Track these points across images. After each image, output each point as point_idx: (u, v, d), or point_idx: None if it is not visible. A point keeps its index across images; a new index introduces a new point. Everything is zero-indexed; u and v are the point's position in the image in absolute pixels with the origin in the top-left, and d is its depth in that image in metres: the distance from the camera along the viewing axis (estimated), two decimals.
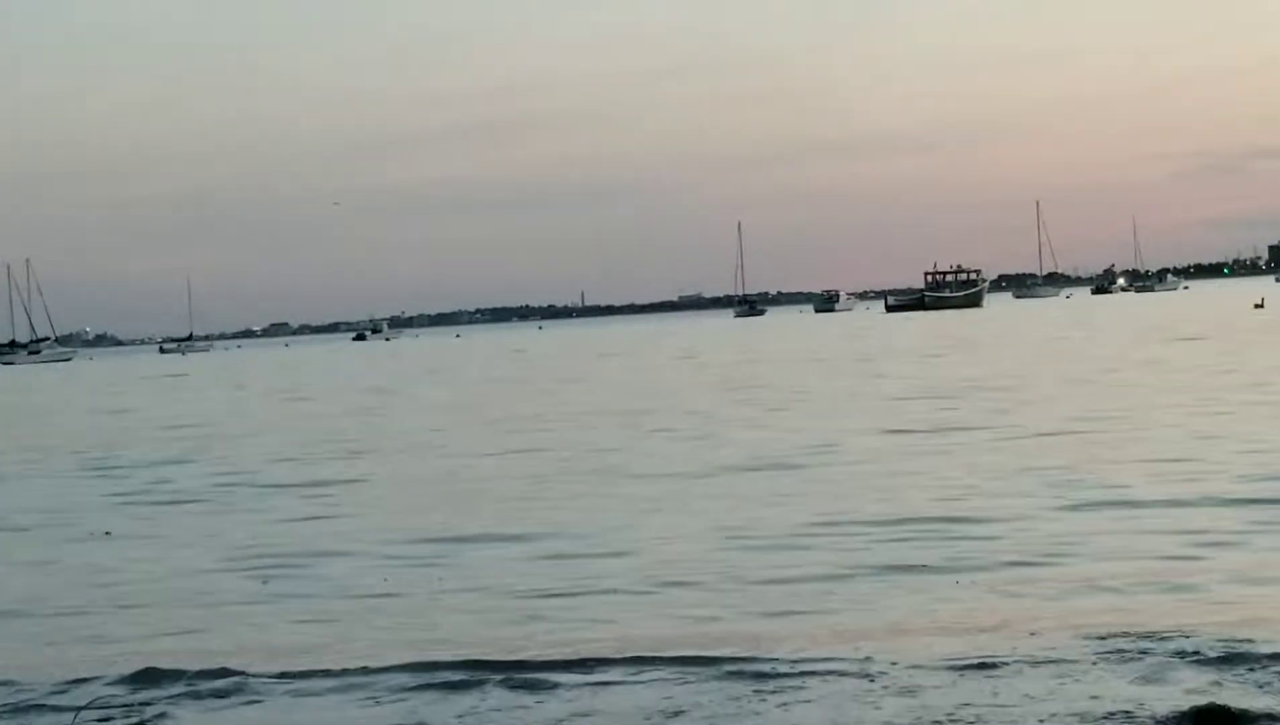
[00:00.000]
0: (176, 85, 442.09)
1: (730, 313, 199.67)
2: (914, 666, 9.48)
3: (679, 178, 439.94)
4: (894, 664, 9.55)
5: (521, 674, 9.77)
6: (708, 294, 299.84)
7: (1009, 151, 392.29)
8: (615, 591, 12.39)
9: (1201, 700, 8.31)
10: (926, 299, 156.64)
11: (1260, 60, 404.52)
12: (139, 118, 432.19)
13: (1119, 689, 8.80)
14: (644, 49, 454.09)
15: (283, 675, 10.10)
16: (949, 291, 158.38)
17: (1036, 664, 9.44)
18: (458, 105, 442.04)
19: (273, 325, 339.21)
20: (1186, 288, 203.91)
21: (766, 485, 18.75)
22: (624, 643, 10.46)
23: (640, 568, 13.33)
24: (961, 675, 9.23)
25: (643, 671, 9.67)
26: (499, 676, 9.72)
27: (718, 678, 9.41)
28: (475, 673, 9.86)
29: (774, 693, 9.03)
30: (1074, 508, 15.51)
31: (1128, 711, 8.31)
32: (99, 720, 9.31)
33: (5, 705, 9.71)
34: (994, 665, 9.45)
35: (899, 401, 32.01)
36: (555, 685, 9.47)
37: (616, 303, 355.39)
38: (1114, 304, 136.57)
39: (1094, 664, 9.37)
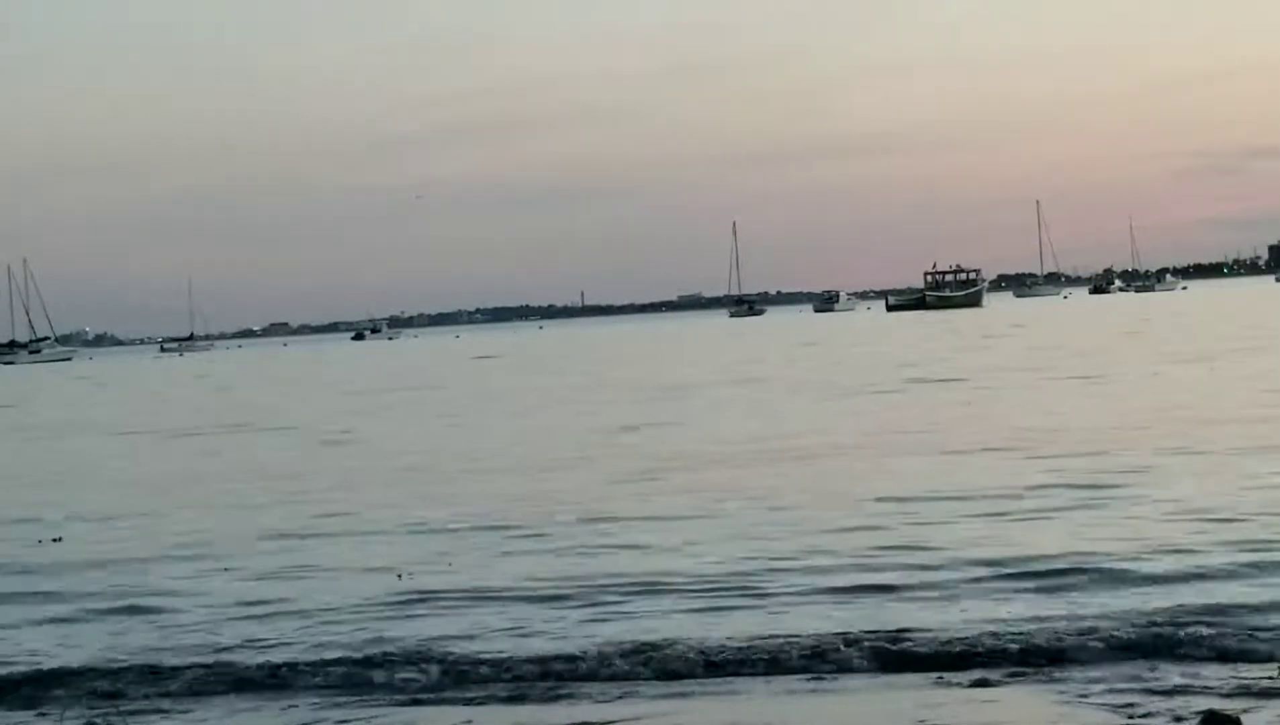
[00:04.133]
0: (176, 85, 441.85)
1: (725, 313, 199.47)
2: None
3: (679, 178, 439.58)
4: None
5: None
6: (708, 294, 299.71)
7: (1009, 151, 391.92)
8: None
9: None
10: (928, 298, 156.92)
11: (1260, 60, 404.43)
12: (139, 118, 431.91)
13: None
14: (644, 49, 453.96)
15: None
16: (949, 291, 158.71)
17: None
18: (458, 105, 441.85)
19: (272, 325, 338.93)
20: (1184, 288, 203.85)
21: None
22: None
23: None
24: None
25: None
26: None
27: None
28: None
29: None
30: None
31: (1133, 715, 8.28)
32: None
33: None
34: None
35: None
36: None
37: (616, 302, 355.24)
38: (1141, 303, 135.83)
39: None
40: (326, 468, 24.98)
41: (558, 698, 9.38)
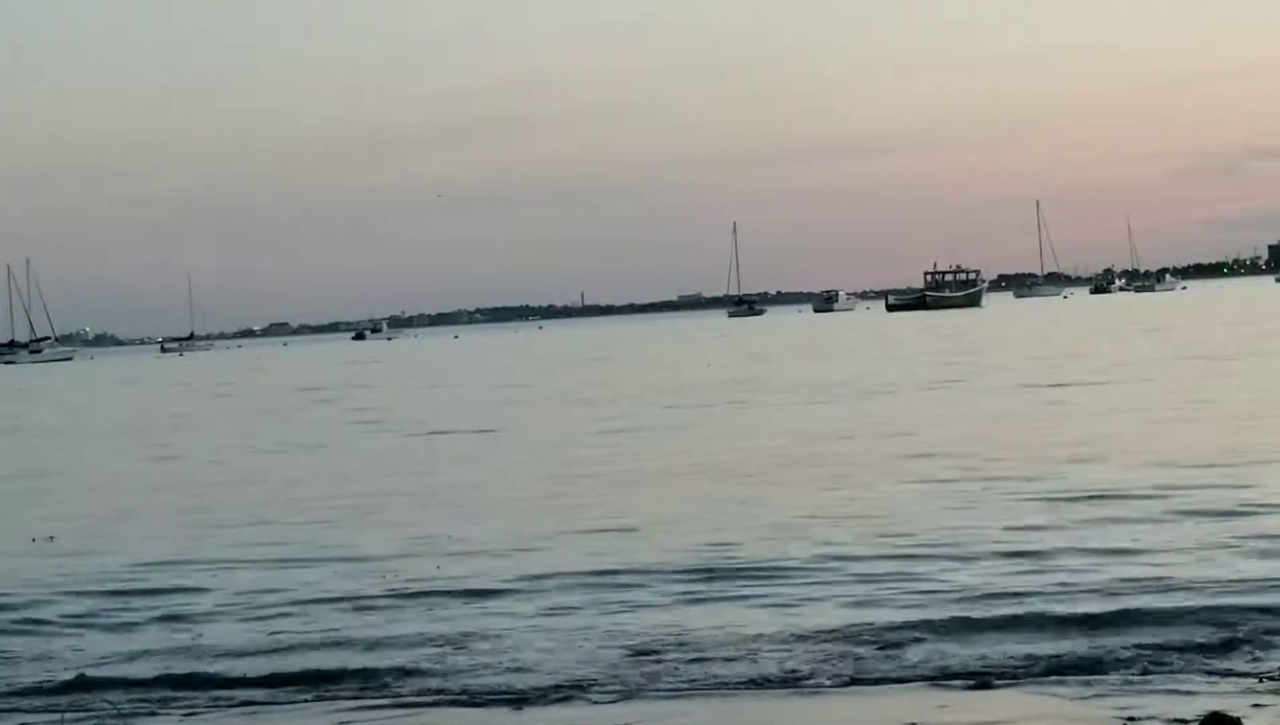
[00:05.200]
0: (177, 85, 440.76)
1: (724, 313, 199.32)
2: None
3: (679, 178, 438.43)
4: None
5: None
6: (708, 294, 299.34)
7: (1009, 151, 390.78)
8: None
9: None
10: (928, 298, 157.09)
11: (1260, 60, 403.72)
12: (139, 118, 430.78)
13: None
14: (644, 49, 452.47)
15: None
16: (949, 291, 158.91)
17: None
18: (458, 105, 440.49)
19: (273, 325, 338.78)
20: (1184, 288, 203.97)
21: None
22: None
23: None
24: None
25: None
26: None
27: None
28: None
29: None
30: None
31: (1134, 718, 8.30)
32: None
33: None
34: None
35: None
36: None
37: (616, 303, 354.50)
38: (1154, 302, 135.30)
39: None
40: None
41: None
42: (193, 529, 17.92)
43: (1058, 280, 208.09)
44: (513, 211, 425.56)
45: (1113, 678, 9.16)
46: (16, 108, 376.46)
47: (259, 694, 9.93)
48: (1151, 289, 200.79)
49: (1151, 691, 8.81)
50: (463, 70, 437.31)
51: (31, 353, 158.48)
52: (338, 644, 11.12)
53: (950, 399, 32.74)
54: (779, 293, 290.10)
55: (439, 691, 9.74)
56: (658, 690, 9.52)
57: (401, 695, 9.75)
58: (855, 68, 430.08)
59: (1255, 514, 14.38)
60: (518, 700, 9.44)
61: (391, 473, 23.65)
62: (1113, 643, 9.89)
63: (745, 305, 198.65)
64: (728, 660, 10.06)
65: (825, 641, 10.38)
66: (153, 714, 9.62)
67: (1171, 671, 9.22)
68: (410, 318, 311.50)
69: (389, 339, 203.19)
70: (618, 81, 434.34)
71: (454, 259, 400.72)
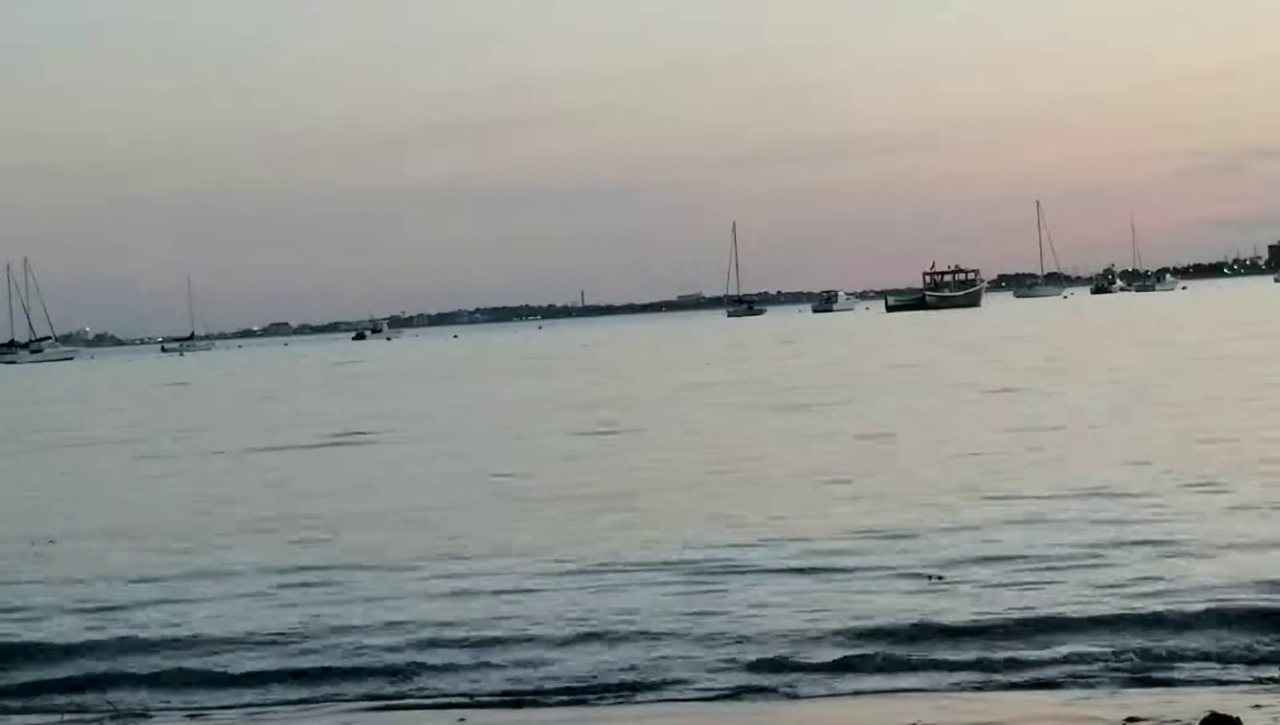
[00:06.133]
0: (177, 84, 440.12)
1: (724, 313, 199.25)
2: None
3: (678, 177, 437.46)
4: None
5: None
6: (708, 293, 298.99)
7: (1009, 151, 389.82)
8: None
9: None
10: (929, 299, 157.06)
11: (1260, 60, 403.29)
12: (140, 117, 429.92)
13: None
14: (643, 49, 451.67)
15: None
16: (948, 291, 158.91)
17: None
18: (457, 105, 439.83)
19: (273, 325, 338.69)
20: (1184, 288, 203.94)
21: None
22: None
23: None
24: None
25: None
26: None
27: None
28: None
29: None
30: None
31: (1134, 718, 8.31)
32: None
33: None
34: None
35: None
36: None
37: (616, 302, 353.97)
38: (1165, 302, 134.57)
39: None
40: None
41: None
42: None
43: (1058, 280, 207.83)
44: (513, 211, 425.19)
45: (1113, 677, 9.19)
46: (17, 106, 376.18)
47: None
48: (1152, 289, 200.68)
49: (1151, 692, 8.82)
50: (463, 70, 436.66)
51: (32, 352, 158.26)
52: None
53: None
54: (779, 293, 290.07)
55: None
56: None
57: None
58: (855, 67, 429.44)
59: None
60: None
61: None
62: (1113, 643, 9.92)
63: (745, 305, 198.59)
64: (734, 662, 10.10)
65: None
66: (148, 714, 9.64)
67: (1171, 672, 9.25)
68: (410, 318, 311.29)
69: (389, 339, 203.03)
70: (617, 81, 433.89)
71: (454, 259, 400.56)
